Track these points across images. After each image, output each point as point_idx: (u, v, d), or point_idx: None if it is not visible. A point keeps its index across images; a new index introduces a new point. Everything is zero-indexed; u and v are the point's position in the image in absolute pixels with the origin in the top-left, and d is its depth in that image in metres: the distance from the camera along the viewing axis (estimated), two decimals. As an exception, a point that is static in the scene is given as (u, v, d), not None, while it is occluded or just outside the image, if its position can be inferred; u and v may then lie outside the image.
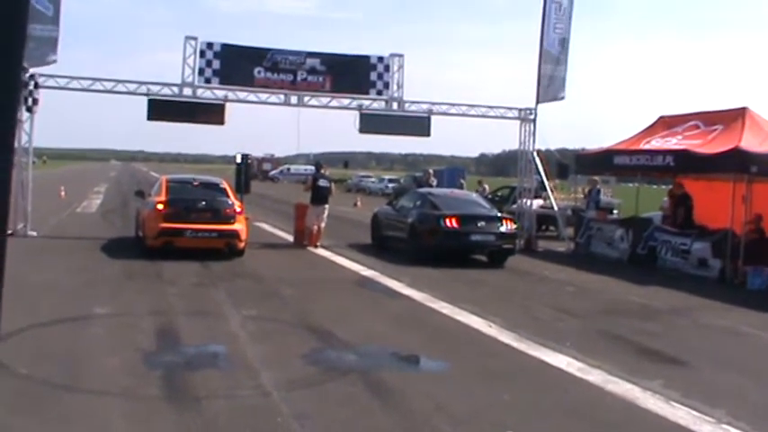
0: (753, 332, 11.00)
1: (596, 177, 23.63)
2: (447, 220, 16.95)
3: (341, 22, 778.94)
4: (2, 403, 6.28)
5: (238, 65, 19.58)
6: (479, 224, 17.28)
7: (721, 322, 11.68)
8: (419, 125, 20.83)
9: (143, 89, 19.23)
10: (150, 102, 19.05)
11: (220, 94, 19.67)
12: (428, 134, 20.88)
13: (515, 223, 18.46)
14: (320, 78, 20.03)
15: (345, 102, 20.43)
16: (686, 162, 17.09)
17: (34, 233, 18.44)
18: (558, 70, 21.59)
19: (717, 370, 8.70)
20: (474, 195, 22.29)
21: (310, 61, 20.00)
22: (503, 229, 17.33)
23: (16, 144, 17.57)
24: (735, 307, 12.98)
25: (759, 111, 17.90)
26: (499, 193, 30.34)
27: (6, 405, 6.24)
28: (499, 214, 18.21)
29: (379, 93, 20.35)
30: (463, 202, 19.23)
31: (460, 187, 36.34)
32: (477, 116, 21.44)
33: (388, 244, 19.12)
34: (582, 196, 25.10)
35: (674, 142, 18.27)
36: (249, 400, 6.64)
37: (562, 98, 21.64)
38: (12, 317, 9.14)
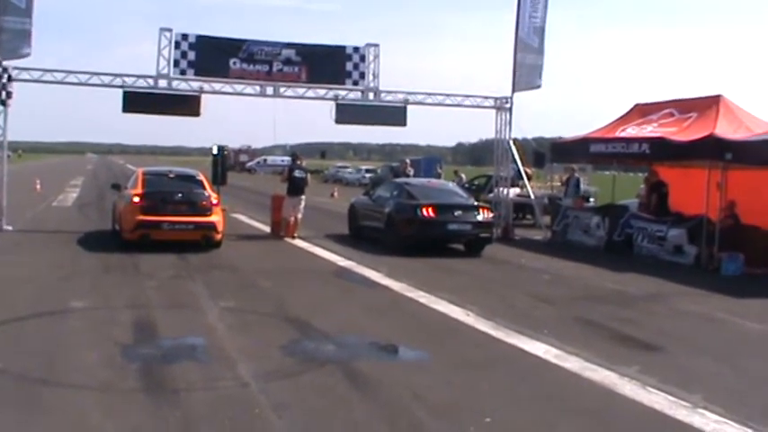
0: (727, 318, 11.12)
1: (574, 166, 23.75)
2: (424, 210, 16.96)
3: (320, 14, 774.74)
4: (-23, 399, 6.23)
5: (214, 56, 19.44)
6: (456, 213, 17.31)
7: (697, 308, 11.79)
8: (395, 115, 20.83)
9: (118, 81, 19.03)
10: (125, 94, 18.88)
11: (196, 85, 19.56)
12: (404, 124, 20.89)
13: (492, 212, 18.52)
14: (296, 69, 19.94)
15: (321, 92, 20.38)
16: (662, 149, 17.20)
17: (10, 227, 18.30)
18: (533, 59, 21.61)
19: (692, 355, 8.79)
20: (451, 185, 22.35)
21: (286, 52, 19.92)
22: (479, 218, 17.40)
23: (-11, 137, 17.43)
24: (710, 293, 13.10)
25: (733, 98, 18.07)
26: (476, 182, 30.42)
27: (-18, 400, 6.19)
28: (476, 203, 18.28)
29: (355, 83, 20.31)
30: (440, 191, 19.26)
31: (438, 177, 36.51)
32: (453, 105, 21.45)
33: (365, 234, 19.13)
34: (559, 184, 25.21)
35: (649, 130, 18.38)
36: (227, 392, 6.63)
37: (538, 86, 21.66)
38: (-14, 312, 9.07)
